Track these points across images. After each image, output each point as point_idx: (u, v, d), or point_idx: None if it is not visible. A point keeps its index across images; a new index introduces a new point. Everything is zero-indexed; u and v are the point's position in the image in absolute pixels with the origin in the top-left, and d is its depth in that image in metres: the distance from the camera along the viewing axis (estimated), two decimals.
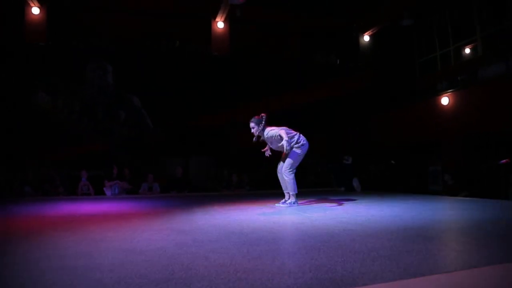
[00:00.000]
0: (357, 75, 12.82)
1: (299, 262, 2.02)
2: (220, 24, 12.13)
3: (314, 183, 10.47)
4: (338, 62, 13.15)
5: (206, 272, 1.81)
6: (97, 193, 8.53)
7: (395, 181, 9.87)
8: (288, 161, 5.13)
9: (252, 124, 5.20)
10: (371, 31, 12.98)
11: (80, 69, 10.66)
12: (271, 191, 8.48)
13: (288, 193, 5.23)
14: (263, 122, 5.15)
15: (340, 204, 5.28)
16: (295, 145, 5.13)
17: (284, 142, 4.82)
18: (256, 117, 5.20)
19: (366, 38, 13.21)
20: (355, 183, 8.37)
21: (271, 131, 5.07)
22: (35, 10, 10.70)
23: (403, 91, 12.01)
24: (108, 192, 8.35)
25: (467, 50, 11.20)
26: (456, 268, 1.87)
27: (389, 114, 11.95)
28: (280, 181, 5.38)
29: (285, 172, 5.12)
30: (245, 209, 4.86)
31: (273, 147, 5.23)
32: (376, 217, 3.83)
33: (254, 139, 5.25)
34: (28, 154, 9.54)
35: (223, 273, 1.79)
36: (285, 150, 4.99)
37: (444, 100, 10.29)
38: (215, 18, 12.08)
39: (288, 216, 4.17)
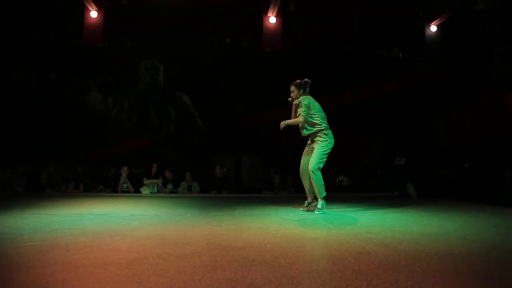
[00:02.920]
0: (423, 69, 11.52)
1: None
2: (272, 19, 11.70)
3: (371, 187, 9.54)
4: (400, 56, 11.93)
5: None
6: (137, 191, 8.43)
7: (464, 187, 8.54)
8: (316, 154, 4.48)
9: (292, 88, 4.77)
10: (439, 20, 11.59)
11: (133, 69, 10.83)
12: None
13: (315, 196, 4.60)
14: (307, 88, 4.72)
15: (381, 214, 4.43)
16: (322, 135, 4.55)
17: (300, 118, 4.51)
18: (299, 80, 4.75)
19: (433, 28, 11.84)
20: (410, 188, 7.32)
21: (303, 103, 4.56)
22: (93, 14, 11.08)
23: (477, 84, 10.51)
24: (145, 191, 8.20)
25: None
26: None
27: (460, 109, 10.51)
28: (304, 182, 4.79)
29: (314, 169, 4.42)
30: (265, 215, 4.25)
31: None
32: (415, 234, 2.98)
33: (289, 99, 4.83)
34: (77, 151, 9.80)
35: None
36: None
37: None
38: (266, 13, 11.63)
39: (299, 228, 3.42)
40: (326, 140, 4.54)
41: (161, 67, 10.99)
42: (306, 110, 4.55)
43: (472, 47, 11.17)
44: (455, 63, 11.12)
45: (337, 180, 9.87)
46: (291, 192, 8.78)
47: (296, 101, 4.72)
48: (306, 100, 4.59)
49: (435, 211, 4.69)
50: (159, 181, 8.49)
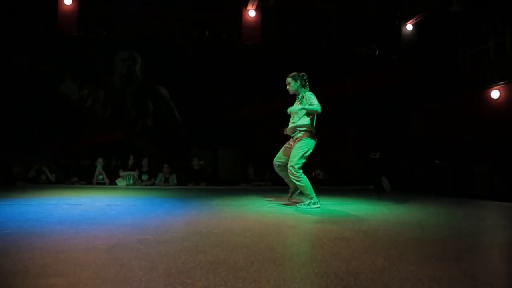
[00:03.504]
0: (398, 67, 11.78)
1: (230, 283, 1.42)
2: (251, 13, 11.64)
3: (346, 181, 9.72)
4: (377, 53, 12.16)
5: None
6: (112, 182, 8.30)
7: (434, 182, 8.84)
8: (298, 151, 4.24)
9: (288, 79, 4.54)
10: (415, 20, 11.86)
11: (109, 59, 10.59)
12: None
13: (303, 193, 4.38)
14: (305, 81, 4.48)
15: (356, 205, 4.54)
16: (309, 133, 4.32)
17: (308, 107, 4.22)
18: (295, 72, 4.54)
19: (409, 27, 12.11)
20: (384, 182, 7.51)
21: (311, 96, 4.32)
22: (67, 1, 10.74)
23: (448, 84, 10.85)
24: (121, 182, 8.08)
25: None
26: None
27: (432, 108, 10.84)
28: (281, 174, 4.67)
29: (294, 168, 4.20)
30: (243, 206, 4.28)
31: (294, 119, 4.45)
32: (390, 223, 3.09)
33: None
34: (49, 142, 9.53)
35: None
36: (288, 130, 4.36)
37: (495, 94, 9.11)
38: (246, 6, 11.59)
39: (278, 217, 3.47)
40: (303, 140, 4.31)
41: (139, 58, 10.78)
42: (315, 99, 4.29)
43: (446, 47, 11.51)
44: (429, 62, 11.42)
45: (313, 174, 9.98)
46: (268, 185, 8.85)
47: (296, 102, 4.54)
48: (311, 94, 4.38)
49: (408, 203, 4.85)
50: (136, 173, 8.38)
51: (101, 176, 8.33)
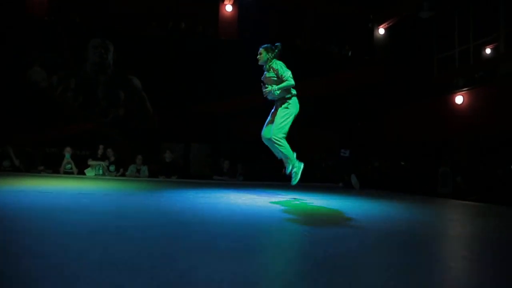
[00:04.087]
0: (370, 69, 12.10)
1: (213, 267, 1.47)
2: (228, 7, 11.63)
3: (317, 179, 9.91)
4: (350, 54, 12.44)
5: (78, 272, 1.28)
6: (80, 172, 8.11)
7: (401, 181, 9.19)
8: (280, 121, 4.07)
9: (261, 49, 4.34)
10: (387, 24, 12.23)
11: (81, 47, 10.26)
12: (265, 182, 8.01)
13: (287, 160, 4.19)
14: (276, 51, 4.28)
15: (327, 200, 4.66)
16: (290, 100, 4.19)
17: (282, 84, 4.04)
18: (271, 44, 4.36)
19: (381, 31, 12.47)
20: (353, 180, 7.74)
21: (281, 66, 4.17)
22: None
23: (417, 87, 11.28)
24: (89, 172, 7.92)
25: (488, 50, 10.46)
26: None
27: (401, 110, 11.25)
28: (270, 146, 4.36)
29: (274, 137, 4.03)
30: (217, 197, 4.31)
31: (267, 83, 4.29)
32: (361, 216, 3.22)
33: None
34: (17, 129, 9.16)
35: (102, 273, 1.25)
36: (268, 94, 4.16)
37: (458, 99, 9.57)
38: (223, 1, 11.56)
39: (255, 209, 3.51)
40: (288, 108, 4.17)
41: (111, 46, 10.50)
42: (286, 70, 4.15)
43: (416, 51, 11.95)
44: (400, 66, 11.80)
45: (282, 171, 10.06)
46: (239, 180, 8.91)
47: (265, 72, 4.35)
48: (279, 63, 4.25)
49: (376, 199, 5.03)
50: (105, 163, 8.22)
51: (69, 166, 8.12)
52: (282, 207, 3.69)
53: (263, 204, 3.94)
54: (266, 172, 9.23)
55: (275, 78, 4.19)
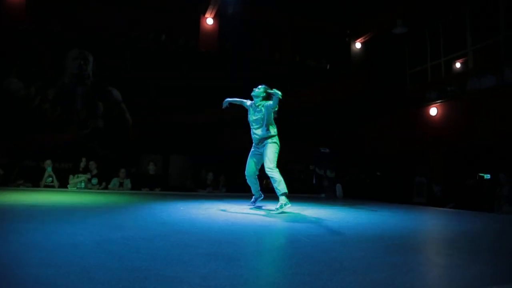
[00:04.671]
0: (347, 82, 12.47)
1: (233, 270, 1.57)
2: (209, 21, 11.76)
3: (298, 189, 10.07)
4: (328, 67, 12.80)
5: (104, 277, 1.35)
6: (62, 185, 7.96)
7: (380, 191, 9.48)
8: (271, 155, 4.62)
9: (260, 86, 4.88)
10: (363, 38, 12.69)
11: (59, 57, 10.12)
12: (247, 194, 8.08)
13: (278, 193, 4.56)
14: (269, 98, 4.73)
15: (315, 209, 4.82)
16: (274, 139, 4.77)
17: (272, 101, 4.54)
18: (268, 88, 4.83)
19: (358, 45, 12.91)
20: (338, 190, 7.95)
21: (270, 105, 4.65)
22: None
23: (392, 100, 11.70)
24: (71, 186, 7.80)
25: (458, 65, 11.05)
26: None
27: (377, 122, 11.62)
28: (250, 183, 4.98)
29: (272, 170, 4.53)
30: (208, 209, 4.38)
31: (253, 119, 4.84)
32: (351, 224, 3.38)
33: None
34: None
35: (126, 279, 1.33)
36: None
37: (433, 111, 10.01)
38: (204, 14, 11.69)
39: (249, 218, 3.65)
40: (276, 143, 4.76)
41: (91, 57, 10.42)
42: (274, 105, 4.62)
43: (390, 66, 12.43)
44: (375, 79, 12.21)
45: (263, 182, 10.16)
46: (222, 191, 8.96)
47: (253, 107, 4.87)
48: (268, 105, 4.73)
49: (362, 209, 5.21)
50: (87, 176, 8.11)
51: (50, 179, 7.96)
52: (273, 217, 3.80)
53: (254, 214, 4.04)
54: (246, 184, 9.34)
55: (263, 116, 4.75)
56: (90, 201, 5.01)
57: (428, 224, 3.88)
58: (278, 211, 4.27)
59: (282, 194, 4.44)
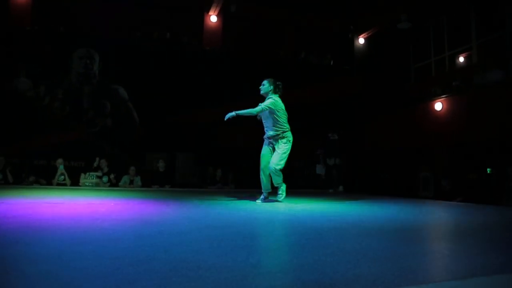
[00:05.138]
0: (351, 78, 12.52)
1: (279, 260, 1.68)
2: (213, 18, 11.83)
3: (301, 186, 10.14)
4: (331, 64, 12.86)
5: (160, 268, 1.46)
6: (74, 184, 8.09)
7: (385, 186, 9.59)
8: (278, 154, 4.69)
9: (264, 81, 4.92)
10: (367, 34, 12.74)
11: (66, 56, 10.22)
12: (257, 190, 8.18)
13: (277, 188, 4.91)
14: (277, 87, 4.87)
15: (329, 204, 4.92)
16: (285, 136, 4.79)
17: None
18: (274, 79, 4.94)
19: (361, 40, 12.96)
20: (341, 189, 8.06)
21: (269, 99, 4.77)
22: None
23: (396, 95, 11.77)
24: (84, 183, 7.93)
25: (461, 59, 11.11)
26: (467, 274, 1.53)
27: (382, 118, 11.69)
28: (262, 178, 4.98)
29: (275, 168, 4.63)
30: (226, 204, 4.50)
31: (263, 119, 4.92)
32: (369, 217, 3.49)
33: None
34: (5, 140, 9.01)
35: (181, 269, 1.43)
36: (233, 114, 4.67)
37: (438, 106, 10.08)
38: (208, 11, 11.76)
39: (272, 212, 3.80)
40: (287, 143, 4.76)
41: (97, 56, 10.51)
42: (269, 105, 4.71)
43: (394, 61, 12.48)
44: (379, 75, 12.26)
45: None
46: (231, 187, 9.10)
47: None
48: (274, 98, 4.81)
49: (368, 203, 5.29)
50: (99, 174, 8.24)
51: (62, 177, 8.08)
52: (287, 211, 3.91)
53: (266, 208, 4.14)
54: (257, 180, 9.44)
55: (272, 115, 4.78)
56: (103, 197, 5.12)
57: (441, 217, 3.99)
58: (282, 197, 4.77)
59: (279, 183, 4.80)
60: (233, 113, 4.64)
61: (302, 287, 1.23)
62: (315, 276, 1.35)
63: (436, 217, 3.97)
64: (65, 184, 8.06)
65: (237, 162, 9.82)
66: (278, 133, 4.77)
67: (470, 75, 9.93)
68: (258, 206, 4.34)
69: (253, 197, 5.37)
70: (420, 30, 11.91)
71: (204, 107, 10.67)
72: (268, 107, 4.69)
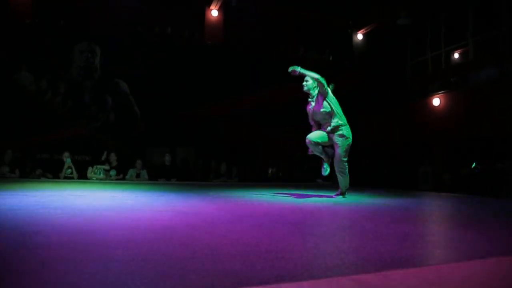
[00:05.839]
0: (349, 74, 12.67)
1: (334, 243, 1.83)
2: (214, 12, 11.88)
3: (300, 179, 10.29)
4: (330, 59, 13.00)
5: (233, 251, 1.60)
6: (81, 177, 8.17)
7: (384, 180, 9.80)
8: (342, 153, 4.61)
9: (307, 77, 4.74)
10: (365, 30, 12.90)
11: (67, 50, 10.20)
12: (260, 183, 8.35)
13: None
14: (325, 85, 4.62)
15: (348, 196, 5.00)
16: (343, 131, 4.64)
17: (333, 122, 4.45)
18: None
19: (360, 36, 13.12)
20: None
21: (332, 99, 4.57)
22: None
23: (394, 91, 11.96)
24: (92, 176, 8.01)
25: (456, 55, 11.32)
26: None
27: (380, 114, 11.88)
28: (314, 150, 4.87)
29: (342, 167, 4.59)
30: (237, 197, 4.62)
31: (318, 118, 4.74)
32: (391, 206, 3.67)
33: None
34: (8, 134, 9.02)
35: (252, 252, 1.58)
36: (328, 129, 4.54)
37: (436, 101, 10.29)
38: (209, 6, 11.80)
39: (297, 203, 3.93)
40: (347, 138, 4.64)
41: (98, 50, 10.50)
42: (327, 87, 4.61)
43: (393, 57, 12.65)
44: (377, 71, 12.43)
45: (269, 172, 10.34)
46: (235, 181, 9.25)
47: (314, 104, 4.75)
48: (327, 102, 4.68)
49: (368, 196, 5.47)
50: (106, 167, 8.33)
51: (69, 170, 8.14)
52: (303, 200, 4.07)
53: (288, 199, 4.29)
54: (257, 173, 9.63)
55: (328, 110, 4.61)
56: (119, 191, 5.21)
57: (442, 205, 4.19)
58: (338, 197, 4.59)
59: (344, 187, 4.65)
60: (298, 68, 4.60)
61: (369, 263, 1.38)
62: (374, 255, 1.50)
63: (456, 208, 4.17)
64: (72, 178, 8.12)
65: (240, 156, 9.95)
66: (337, 124, 4.62)
67: (467, 71, 10.14)
68: (277, 197, 4.48)
69: (263, 189, 5.52)
70: (418, 26, 12.08)
71: (205, 101, 10.76)
72: (325, 84, 4.60)
